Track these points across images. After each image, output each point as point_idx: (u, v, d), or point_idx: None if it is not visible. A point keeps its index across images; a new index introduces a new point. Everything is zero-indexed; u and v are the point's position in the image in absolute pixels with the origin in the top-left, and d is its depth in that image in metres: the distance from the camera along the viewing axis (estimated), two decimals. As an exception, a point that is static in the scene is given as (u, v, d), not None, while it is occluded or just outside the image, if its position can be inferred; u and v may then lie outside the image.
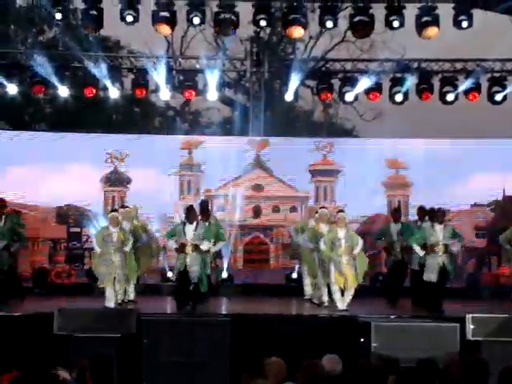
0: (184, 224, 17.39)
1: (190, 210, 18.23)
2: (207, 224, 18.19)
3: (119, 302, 18.49)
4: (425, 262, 18.08)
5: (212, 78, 23.87)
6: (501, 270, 23.28)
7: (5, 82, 23.86)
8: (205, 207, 19.37)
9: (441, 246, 17.55)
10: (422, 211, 19.80)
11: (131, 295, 19.22)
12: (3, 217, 17.88)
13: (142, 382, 14.21)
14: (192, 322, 16.20)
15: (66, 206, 22.70)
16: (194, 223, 17.37)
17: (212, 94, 24.12)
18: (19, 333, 15.49)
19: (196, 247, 16.98)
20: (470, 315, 15.80)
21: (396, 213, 20.92)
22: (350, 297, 17.85)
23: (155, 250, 20.13)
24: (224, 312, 17.94)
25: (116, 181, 23.34)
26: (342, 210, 19.30)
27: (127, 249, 18.16)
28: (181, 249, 17.08)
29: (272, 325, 16.00)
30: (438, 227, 17.95)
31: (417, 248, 18.06)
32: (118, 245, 17.84)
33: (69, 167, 22.66)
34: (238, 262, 23.82)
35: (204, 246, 17.31)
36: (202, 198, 22.52)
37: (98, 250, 18.02)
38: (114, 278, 17.76)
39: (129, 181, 23.41)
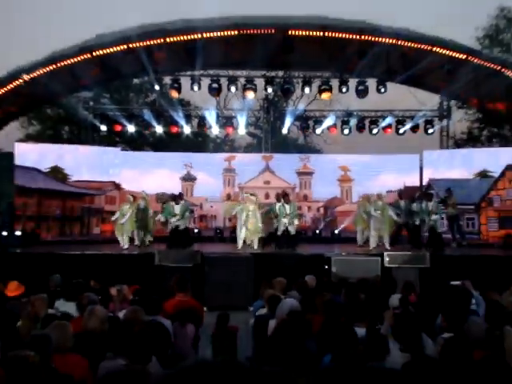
0: (282, 205, 21.31)
1: (286, 195, 22.38)
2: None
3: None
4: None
5: (242, 121, 28.40)
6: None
7: (126, 123, 28.24)
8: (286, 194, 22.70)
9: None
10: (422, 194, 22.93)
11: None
12: (180, 203, 21.36)
13: (204, 293, 17.17)
14: (232, 257, 19.78)
15: (159, 194, 27.30)
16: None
17: (241, 130, 28.89)
18: (139, 265, 18.73)
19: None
20: (386, 252, 19.53)
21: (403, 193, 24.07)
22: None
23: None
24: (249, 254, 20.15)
25: (188, 179, 27.98)
26: (252, 194, 23.20)
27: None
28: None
29: (278, 260, 19.43)
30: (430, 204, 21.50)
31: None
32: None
33: (163, 171, 27.70)
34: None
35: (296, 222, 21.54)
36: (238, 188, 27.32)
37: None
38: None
39: (195, 179, 28.09)
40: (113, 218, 22.49)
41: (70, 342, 6.79)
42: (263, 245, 21.78)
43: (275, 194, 23.56)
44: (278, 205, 21.73)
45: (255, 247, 21.27)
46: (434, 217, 21.65)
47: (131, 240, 22.14)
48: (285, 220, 21.41)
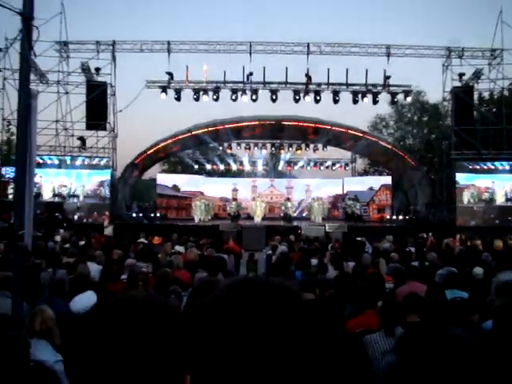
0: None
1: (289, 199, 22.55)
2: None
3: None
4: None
5: (260, 163, 28.04)
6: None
7: (206, 164, 27.89)
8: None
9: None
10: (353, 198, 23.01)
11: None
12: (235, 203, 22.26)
13: (242, 242, 16.06)
14: (255, 227, 19.36)
15: (221, 197, 25.96)
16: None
17: (259, 167, 28.33)
18: (212, 230, 18.08)
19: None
20: (327, 224, 19.12)
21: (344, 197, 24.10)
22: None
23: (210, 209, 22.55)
24: (263, 225, 19.75)
25: (234, 190, 26.30)
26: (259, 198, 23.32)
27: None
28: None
29: (275, 228, 18.46)
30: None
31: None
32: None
33: (223, 186, 26.44)
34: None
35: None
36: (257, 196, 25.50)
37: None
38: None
39: (237, 190, 26.46)
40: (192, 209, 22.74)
41: (181, 264, 7.04)
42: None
43: (285, 198, 24.23)
44: (288, 203, 22.66)
45: (259, 221, 21.26)
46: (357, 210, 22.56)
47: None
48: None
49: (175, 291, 4.07)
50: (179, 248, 10.01)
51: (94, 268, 6.45)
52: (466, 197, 19.64)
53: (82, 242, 10.40)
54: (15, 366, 2.57)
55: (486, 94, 23.03)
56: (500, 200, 19.51)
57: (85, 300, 3.79)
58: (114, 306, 0.76)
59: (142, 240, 11.98)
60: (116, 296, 0.79)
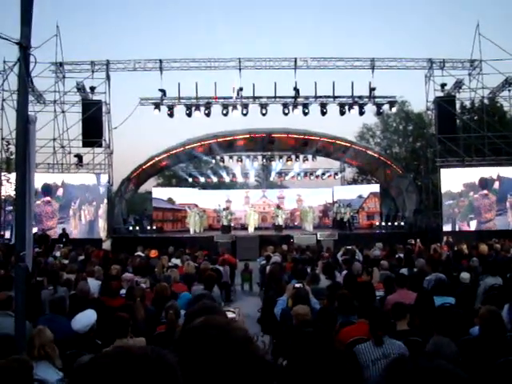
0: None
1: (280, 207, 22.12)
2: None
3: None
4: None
5: (252, 174, 27.74)
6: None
7: (200, 177, 27.73)
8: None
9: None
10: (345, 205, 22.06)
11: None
12: (227, 211, 22.32)
13: (236, 253, 16.28)
14: (248, 237, 19.31)
15: (214, 209, 24.48)
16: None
17: (252, 179, 28.56)
18: (207, 241, 17.95)
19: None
20: (318, 232, 19.16)
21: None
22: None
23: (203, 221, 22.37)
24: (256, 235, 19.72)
25: (228, 201, 25.17)
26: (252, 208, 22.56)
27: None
28: None
29: (268, 237, 18.48)
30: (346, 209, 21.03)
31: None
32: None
33: (217, 198, 25.15)
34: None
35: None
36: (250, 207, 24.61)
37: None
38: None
39: (231, 201, 25.46)
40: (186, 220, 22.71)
41: (178, 277, 7.07)
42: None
43: (276, 206, 23.71)
44: (279, 211, 22.24)
45: (252, 231, 21.20)
46: (347, 216, 21.94)
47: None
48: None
49: (173, 307, 4.07)
50: (176, 261, 9.99)
51: (94, 284, 6.40)
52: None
53: (82, 257, 10.18)
54: (20, 386, 2.54)
55: (467, 103, 23.40)
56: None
57: (85, 319, 3.78)
58: (110, 363, 0.76)
59: (140, 253, 11.87)
60: (114, 350, 0.79)
